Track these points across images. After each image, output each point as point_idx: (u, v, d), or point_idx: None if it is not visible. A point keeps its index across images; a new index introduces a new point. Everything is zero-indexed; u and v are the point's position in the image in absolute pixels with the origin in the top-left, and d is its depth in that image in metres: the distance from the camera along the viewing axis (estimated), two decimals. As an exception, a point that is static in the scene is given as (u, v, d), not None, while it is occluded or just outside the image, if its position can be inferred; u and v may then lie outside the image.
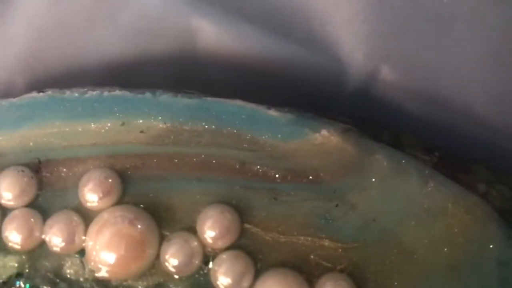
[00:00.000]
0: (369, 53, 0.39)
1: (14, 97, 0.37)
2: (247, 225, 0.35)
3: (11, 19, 0.40)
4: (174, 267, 0.34)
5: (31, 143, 0.36)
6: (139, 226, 0.34)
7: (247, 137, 0.35)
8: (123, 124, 0.35)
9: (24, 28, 0.41)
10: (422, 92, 0.38)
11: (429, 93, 0.38)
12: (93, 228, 0.34)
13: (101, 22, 0.40)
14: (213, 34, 0.40)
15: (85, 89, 0.36)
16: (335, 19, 0.39)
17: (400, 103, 0.39)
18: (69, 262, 0.35)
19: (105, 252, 0.34)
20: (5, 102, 0.36)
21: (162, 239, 0.34)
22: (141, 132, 0.35)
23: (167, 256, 0.34)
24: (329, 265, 0.34)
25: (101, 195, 0.35)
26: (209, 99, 0.35)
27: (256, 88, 0.40)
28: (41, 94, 0.36)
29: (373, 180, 0.34)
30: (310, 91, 0.39)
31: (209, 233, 0.34)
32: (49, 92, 0.36)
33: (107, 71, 0.40)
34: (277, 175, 0.35)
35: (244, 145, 0.35)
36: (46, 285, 0.34)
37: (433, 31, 0.38)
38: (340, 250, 0.34)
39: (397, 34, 0.38)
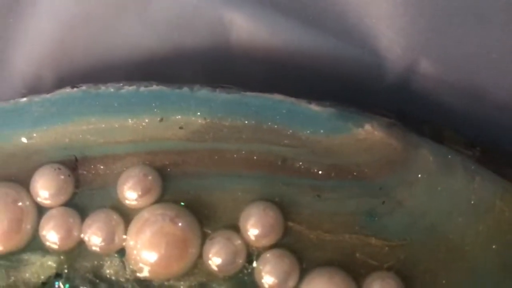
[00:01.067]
0: (407, 46, 0.38)
1: (43, 93, 0.36)
2: (290, 223, 0.34)
3: (38, 13, 0.40)
4: (217, 266, 0.33)
5: (66, 140, 0.35)
6: (180, 224, 0.33)
7: (288, 133, 0.34)
8: (161, 120, 0.34)
9: (52, 22, 0.40)
10: (462, 86, 0.37)
11: (469, 87, 0.37)
12: (133, 227, 0.34)
13: (130, 16, 0.40)
14: (246, 27, 0.39)
15: (121, 84, 0.35)
16: (372, 11, 0.38)
17: (439, 97, 0.38)
18: (109, 262, 0.34)
19: (146, 252, 0.33)
20: (37, 98, 0.35)
21: (204, 237, 0.33)
22: (180, 128, 0.34)
23: (210, 255, 0.33)
24: (375, 263, 0.33)
25: (141, 193, 0.34)
26: (248, 93, 0.34)
27: (290, 82, 0.39)
28: (75, 89, 0.35)
29: (419, 176, 0.33)
30: (346, 85, 0.39)
31: (253, 231, 0.33)
32: (83, 88, 0.35)
33: (136, 66, 0.40)
34: (320, 172, 0.34)
35: (285, 141, 0.34)
36: (85, 286, 0.34)
37: (473, 24, 0.37)
38: (386, 248, 0.33)
39: (436, 27, 0.37)
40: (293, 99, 0.34)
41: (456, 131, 0.36)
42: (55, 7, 0.40)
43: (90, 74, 0.40)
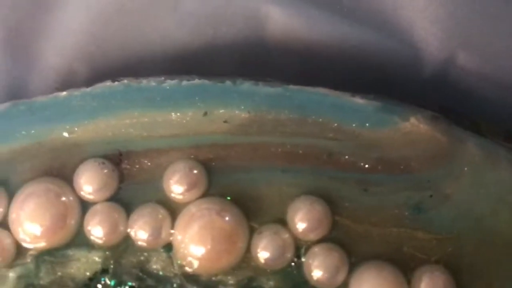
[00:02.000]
0: (445, 38, 0.38)
1: (76, 86, 0.35)
2: (337, 217, 0.34)
3: (71, 7, 0.39)
4: (265, 260, 0.33)
5: (109, 134, 0.35)
6: (227, 219, 0.33)
7: (333, 126, 0.34)
8: (205, 114, 0.34)
9: (84, 15, 0.39)
10: (500, 78, 0.38)
11: (507, 79, 0.38)
12: (180, 221, 0.33)
13: (164, 8, 0.39)
14: (282, 20, 0.39)
15: (162, 78, 0.35)
16: (408, 3, 0.38)
17: (477, 90, 0.38)
18: (155, 257, 0.34)
19: (194, 246, 0.33)
20: (77, 92, 0.35)
21: (251, 231, 0.33)
22: (225, 122, 0.34)
23: (258, 249, 0.33)
24: (423, 256, 0.33)
25: (187, 187, 0.34)
26: (291, 87, 0.34)
27: (325, 75, 0.39)
28: (115, 83, 0.35)
29: (465, 169, 0.33)
30: (383, 77, 0.38)
31: (300, 225, 0.33)
32: (125, 81, 0.35)
33: (171, 59, 0.39)
34: (366, 166, 0.34)
35: (331, 134, 0.34)
36: (132, 281, 0.33)
37: (511, 15, 0.37)
38: (434, 241, 0.33)
39: (474, 18, 0.37)
40: (337, 92, 0.34)
41: (495, 124, 0.36)
42: (87, 0, 0.39)
43: (124, 67, 0.40)
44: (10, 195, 0.35)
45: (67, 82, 0.39)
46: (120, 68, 0.40)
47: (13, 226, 0.34)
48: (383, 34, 0.38)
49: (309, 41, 0.39)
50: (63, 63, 0.40)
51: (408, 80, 0.39)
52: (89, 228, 0.34)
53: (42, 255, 0.34)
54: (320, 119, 0.34)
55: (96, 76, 0.39)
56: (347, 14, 0.38)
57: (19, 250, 0.34)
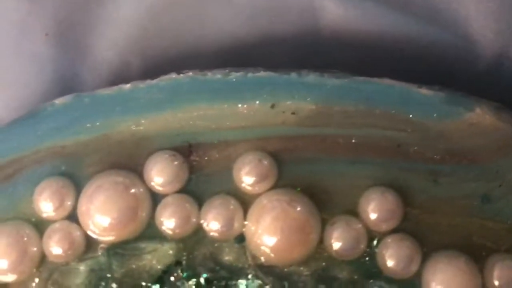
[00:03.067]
0: (500, 31, 0.38)
1: (129, 79, 0.36)
2: (408, 208, 0.34)
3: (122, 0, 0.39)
4: (339, 251, 0.33)
5: (177, 127, 0.35)
6: (300, 210, 0.33)
7: (401, 117, 0.34)
8: (272, 106, 0.34)
9: (136, 8, 0.39)
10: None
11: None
12: (253, 212, 0.33)
13: (217, 1, 0.39)
14: (336, 12, 0.39)
15: (227, 70, 0.35)
16: (463, -5, 0.38)
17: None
18: (227, 248, 0.34)
19: (268, 237, 0.33)
20: (142, 85, 0.35)
21: (323, 222, 0.33)
22: (293, 113, 0.34)
23: (331, 240, 0.33)
24: (493, 246, 0.34)
25: (258, 179, 0.34)
26: (357, 78, 0.35)
27: (380, 66, 0.39)
28: (181, 75, 0.35)
29: (532, 159, 0.34)
30: (437, 69, 0.39)
31: (373, 216, 0.33)
32: (190, 74, 0.35)
33: (224, 52, 0.39)
34: (435, 156, 0.34)
35: (399, 126, 0.34)
36: (206, 273, 0.33)
37: None
38: (503, 230, 0.34)
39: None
40: (403, 84, 0.34)
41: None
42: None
43: (178, 60, 0.40)
44: (78, 188, 0.34)
45: (122, 75, 0.39)
46: (174, 60, 0.40)
47: (82, 219, 0.34)
48: (438, 26, 0.38)
49: (363, 33, 0.39)
50: (115, 56, 0.40)
51: (462, 72, 0.39)
52: (161, 220, 0.34)
53: (113, 248, 0.34)
54: (388, 111, 0.34)
55: (149, 69, 0.39)
56: (401, 7, 0.39)
57: (89, 243, 0.34)
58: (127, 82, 0.36)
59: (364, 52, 0.39)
